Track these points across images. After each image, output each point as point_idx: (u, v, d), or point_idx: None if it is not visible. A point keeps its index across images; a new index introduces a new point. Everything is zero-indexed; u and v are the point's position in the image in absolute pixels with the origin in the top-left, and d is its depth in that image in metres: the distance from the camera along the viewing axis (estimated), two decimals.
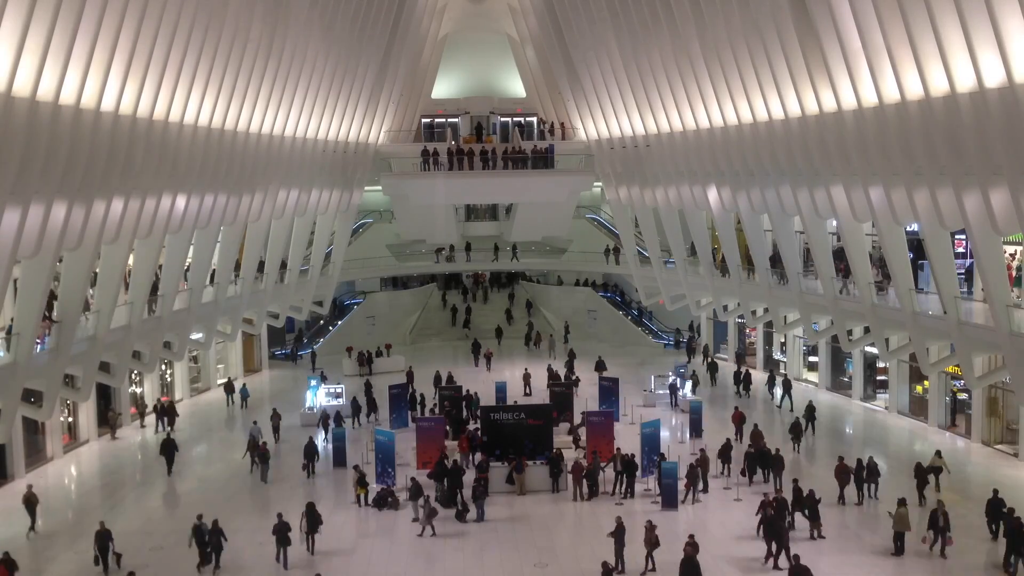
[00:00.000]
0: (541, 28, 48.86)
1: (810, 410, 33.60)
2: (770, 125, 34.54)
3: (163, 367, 39.59)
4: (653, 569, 21.87)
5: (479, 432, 29.94)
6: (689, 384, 38.28)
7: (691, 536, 21.28)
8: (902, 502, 22.95)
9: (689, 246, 45.83)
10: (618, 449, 28.46)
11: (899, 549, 22.53)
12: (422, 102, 54.43)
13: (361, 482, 26.76)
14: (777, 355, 44.93)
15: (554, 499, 27.27)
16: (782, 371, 42.05)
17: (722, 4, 33.53)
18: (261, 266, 43.51)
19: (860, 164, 30.08)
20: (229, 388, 40.26)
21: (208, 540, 22.37)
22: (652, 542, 21.82)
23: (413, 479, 26.18)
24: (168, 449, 30.56)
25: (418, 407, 36.31)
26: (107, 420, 34.99)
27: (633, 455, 27.72)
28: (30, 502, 25.19)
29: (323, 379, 39.96)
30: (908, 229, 32.09)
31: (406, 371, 41.42)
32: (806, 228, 35.76)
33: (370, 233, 55.99)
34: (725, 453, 28.89)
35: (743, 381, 40.14)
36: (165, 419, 35.47)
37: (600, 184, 52.99)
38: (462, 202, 55.40)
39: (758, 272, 40.39)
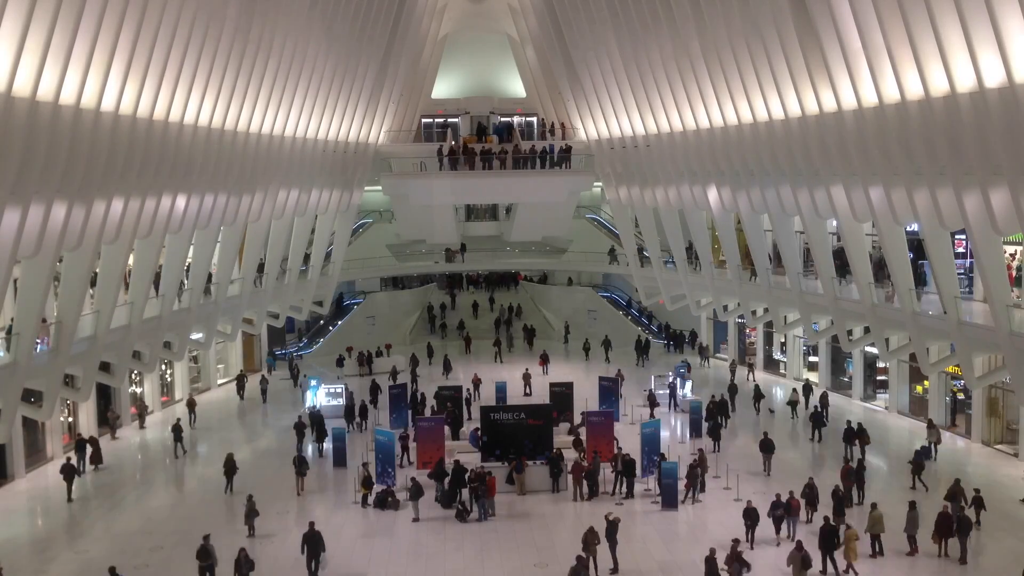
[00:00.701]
0: (541, 28, 48.87)
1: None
2: (770, 125, 34.54)
3: (163, 367, 39.61)
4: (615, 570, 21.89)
5: (478, 432, 29.93)
6: (689, 384, 38.28)
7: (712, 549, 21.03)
8: (875, 505, 22.98)
9: (689, 246, 45.86)
10: (619, 449, 28.45)
11: (878, 551, 22.40)
12: (422, 102, 54.43)
13: (366, 483, 26.71)
14: (777, 355, 44.96)
15: (554, 499, 27.27)
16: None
17: (722, 4, 33.53)
18: (261, 266, 43.52)
19: (860, 164, 30.09)
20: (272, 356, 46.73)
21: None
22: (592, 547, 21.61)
23: (413, 479, 26.19)
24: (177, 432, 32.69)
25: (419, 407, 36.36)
26: (107, 420, 34.97)
27: (629, 455, 27.69)
28: (191, 405, 36.74)
29: (340, 362, 45.82)
30: (908, 229, 32.10)
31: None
32: (806, 228, 35.77)
33: (370, 233, 56.02)
34: (714, 431, 31.72)
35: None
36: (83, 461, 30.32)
37: (600, 184, 53.00)
38: (462, 202, 55.41)
39: (758, 272, 40.42)
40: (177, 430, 32.43)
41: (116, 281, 30.89)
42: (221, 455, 29.33)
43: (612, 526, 21.99)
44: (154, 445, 34.29)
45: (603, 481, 27.62)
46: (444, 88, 56.40)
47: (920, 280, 32.09)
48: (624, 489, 27.16)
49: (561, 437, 30.99)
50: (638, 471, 27.71)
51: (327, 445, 31.90)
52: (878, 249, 33.67)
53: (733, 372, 42.84)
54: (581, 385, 37.85)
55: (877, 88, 27.67)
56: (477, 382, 39.94)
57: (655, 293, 49.92)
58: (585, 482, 27.08)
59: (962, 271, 31.55)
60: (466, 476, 26.39)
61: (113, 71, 26.00)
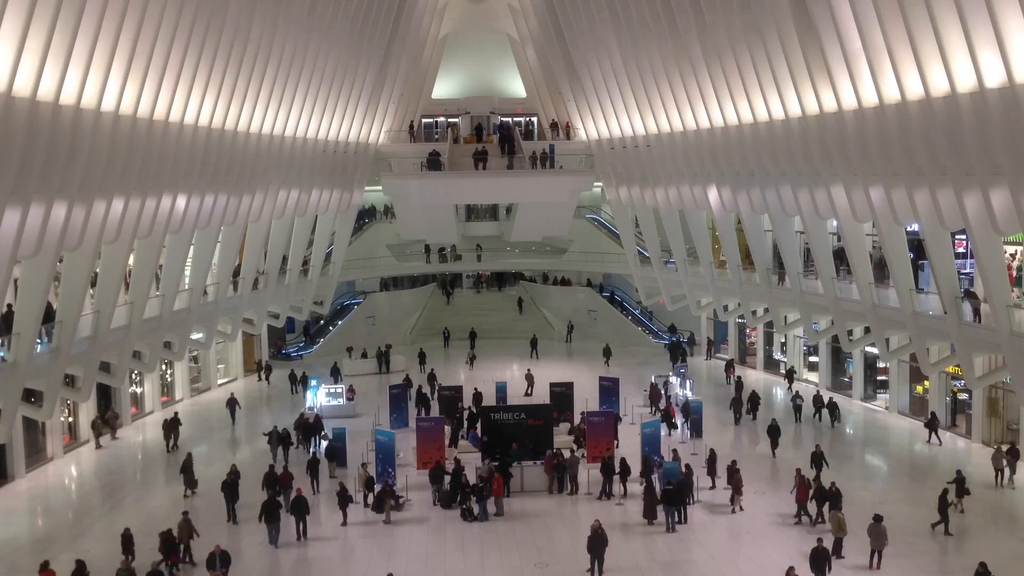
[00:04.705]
0: (541, 28, 48.87)
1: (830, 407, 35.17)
2: (770, 125, 34.53)
3: (163, 367, 39.60)
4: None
5: (479, 433, 29.93)
6: (688, 384, 38.23)
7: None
8: (839, 508, 22.95)
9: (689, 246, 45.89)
10: (607, 450, 28.41)
11: (837, 553, 22.32)
12: (422, 102, 54.44)
13: (369, 484, 26.66)
14: (777, 355, 44.96)
15: (554, 499, 27.27)
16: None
17: (722, 4, 33.51)
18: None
19: (860, 164, 30.08)
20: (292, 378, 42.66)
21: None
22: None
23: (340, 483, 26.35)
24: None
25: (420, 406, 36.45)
26: (107, 421, 34.79)
27: (616, 458, 27.65)
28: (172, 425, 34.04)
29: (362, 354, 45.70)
30: (908, 229, 32.10)
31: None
32: (806, 228, 35.77)
33: (370, 233, 56.04)
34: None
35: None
36: None
37: (600, 184, 53.01)
38: (463, 202, 55.45)
39: (759, 272, 40.42)
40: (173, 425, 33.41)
41: (116, 281, 30.90)
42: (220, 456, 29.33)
43: (595, 536, 21.84)
44: (154, 446, 34.27)
45: (589, 482, 27.64)
46: (444, 88, 56.41)
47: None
48: (620, 488, 27.13)
49: (561, 437, 31.00)
50: (635, 471, 27.69)
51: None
52: (878, 249, 33.68)
53: (729, 373, 42.84)
54: (582, 386, 37.81)
55: (877, 88, 27.66)
56: (529, 378, 40.48)
57: (655, 293, 49.93)
58: (567, 477, 27.21)
59: (963, 272, 31.56)
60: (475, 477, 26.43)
61: (113, 71, 25.98)
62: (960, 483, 25.18)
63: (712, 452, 28.14)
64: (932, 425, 32.32)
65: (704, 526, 24.85)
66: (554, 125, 52.75)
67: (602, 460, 27.44)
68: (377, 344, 47.80)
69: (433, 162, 47.98)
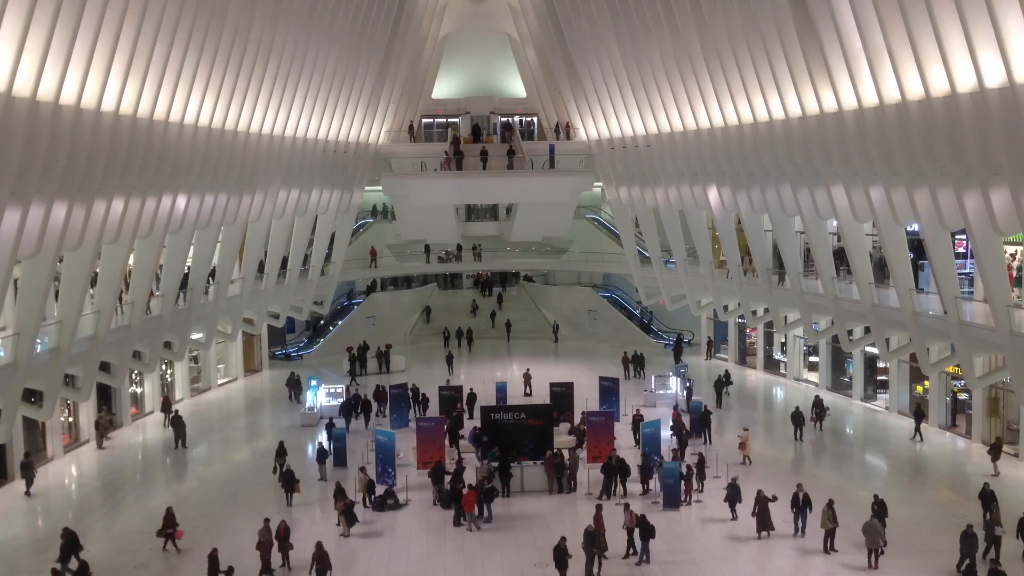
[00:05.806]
0: (541, 28, 48.86)
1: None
2: (770, 125, 34.53)
3: (163, 367, 39.59)
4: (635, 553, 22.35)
5: (478, 433, 29.92)
6: (690, 384, 38.25)
7: None
8: (830, 503, 23.02)
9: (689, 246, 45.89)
10: (614, 450, 28.44)
11: (831, 547, 22.72)
12: (422, 102, 54.44)
13: (369, 487, 26.64)
14: (777, 355, 44.96)
15: (554, 499, 27.27)
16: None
17: (722, 4, 33.52)
18: (261, 266, 43.48)
19: (860, 164, 30.08)
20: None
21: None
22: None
23: (337, 483, 26.16)
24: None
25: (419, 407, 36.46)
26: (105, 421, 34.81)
27: (619, 458, 27.68)
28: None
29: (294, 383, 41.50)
30: (908, 229, 32.10)
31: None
32: (806, 228, 35.77)
33: (370, 233, 56.03)
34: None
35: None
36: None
37: (600, 184, 53.01)
38: (462, 202, 55.46)
39: (759, 272, 40.42)
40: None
41: (116, 281, 30.90)
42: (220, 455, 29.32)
43: (587, 536, 21.88)
44: (154, 445, 34.29)
45: (589, 481, 27.62)
46: (444, 88, 56.41)
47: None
48: (621, 488, 27.12)
49: (562, 437, 30.99)
50: (633, 471, 27.69)
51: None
52: (878, 249, 33.68)
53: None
54: (582, 386, 37.80)
55: (877, 88, 27.66)
56: (528, 378, 40.41)
57: (655, 293, 49.94)
58: (566, 476, 27.25)
59: (962, 272, 31.57)
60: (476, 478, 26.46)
61: (113, 71, 25.98)
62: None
63: (701, 456, 28.18)
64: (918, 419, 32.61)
65: (704, 526, 24.85)
66: (557, 126, 52.70)
67: (608, 459, 27.43)
68: (377, 344, 47.78)
69: (458, 160, 48.11)
